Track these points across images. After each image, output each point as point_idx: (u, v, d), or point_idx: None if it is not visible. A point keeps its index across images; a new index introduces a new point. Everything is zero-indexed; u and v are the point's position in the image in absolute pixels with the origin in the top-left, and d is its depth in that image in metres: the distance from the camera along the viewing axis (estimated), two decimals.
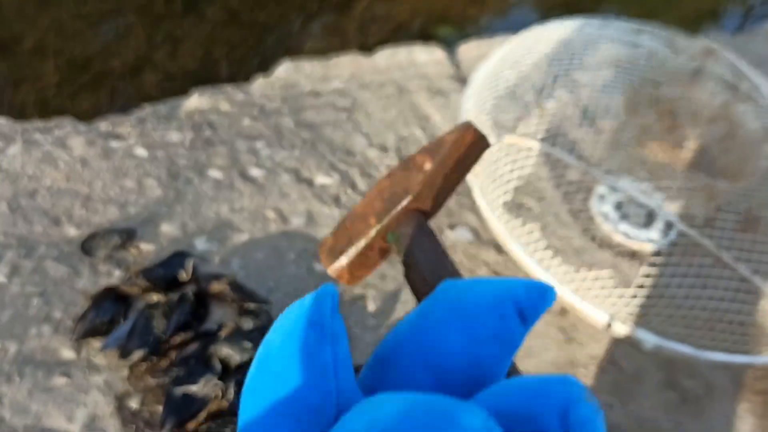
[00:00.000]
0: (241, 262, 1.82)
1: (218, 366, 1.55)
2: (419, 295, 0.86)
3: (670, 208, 1.87)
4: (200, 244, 1.84)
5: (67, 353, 1.58)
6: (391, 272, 1.86)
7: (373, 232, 0.91)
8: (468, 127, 0.89)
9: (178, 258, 1.73)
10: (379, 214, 0.91)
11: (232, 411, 1.51)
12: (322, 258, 0.96)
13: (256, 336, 1.57)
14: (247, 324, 1.63)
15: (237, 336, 1.56)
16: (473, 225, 2.02)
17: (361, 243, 0.91)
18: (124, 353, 1.55)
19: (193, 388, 1.49)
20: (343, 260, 0.92)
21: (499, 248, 1.97)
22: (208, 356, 1.56)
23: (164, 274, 1.69)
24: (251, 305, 1.66)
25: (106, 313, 1.61)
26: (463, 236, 1.99)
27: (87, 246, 1.76)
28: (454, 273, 0.83)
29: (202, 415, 1.49)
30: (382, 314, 1.78)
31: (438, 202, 0.94)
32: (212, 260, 1.82)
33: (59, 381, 1.53)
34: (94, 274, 1.73)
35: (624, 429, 1.64)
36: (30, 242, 1.76)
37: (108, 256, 1.76)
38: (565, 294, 1.60)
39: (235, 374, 1.53)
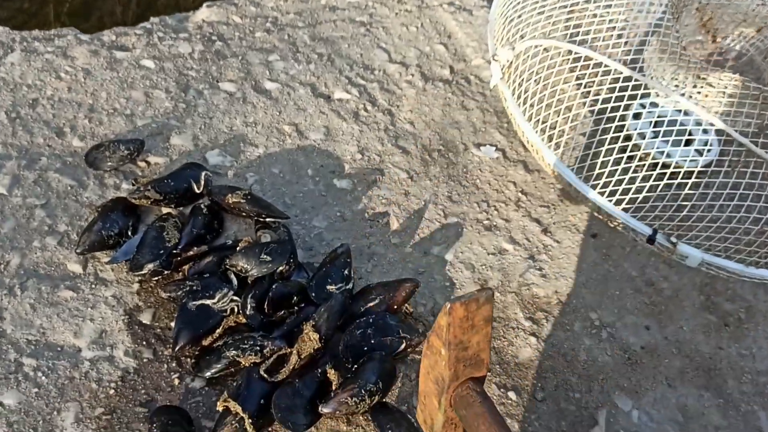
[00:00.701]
0: (256, 176, 1.72)
1: (235, 280, 1.45)
2: None
3: (717, 118, 1.76)
4: (213, 158, 1.73)
5: (73, 267, 1.48)
6: (415, 189, 1.76)
7: (441, 414, 1.06)
8: (451, 309, 0.94)
9: (190, 170, 1.62)
10: (439, 396, 1.04)
11: (249, 326, 1.42)
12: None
13: (275, 249, 1.47)
14: (265, 238, 1.53)
15: (254, 249, 1.46)
16: (501, 144, 1.90)
17: (440, 422, 1.07)
18: (134, 266, 1.45)
19: (209, 303, 1.40)
20: None
21: (527, 167, 1.86)
22: (223, 270, 1.47)
23: (176, 187, 1.58)
24: (269, 219, 1.56)
25: (114, 226, 1.51)
26: (489, 154, 1.88)
27: (92, 158, 1.65)
28: None
29: (219, 330, 1.40)
30: (406, 231, 1.67)
31: (478, 363, 1.02)
32: (226, 174, 1.71)
33: (65, 295, 1.43)
34: (101, 186, 1.62)
35: (661, 352, 1.55)
36: (31, 153, 1.65)
37: (115, 169, 1.65)
38: (608, 208, 1.49)
39: (252, 289, 1.43)
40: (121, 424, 1.28)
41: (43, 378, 1.31)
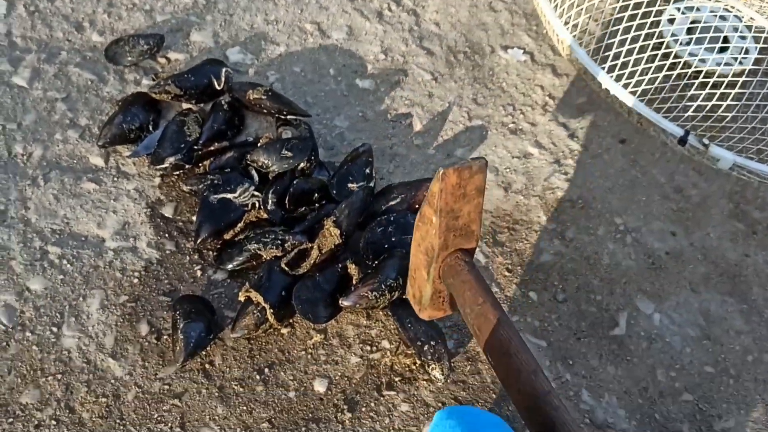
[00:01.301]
0: (278, 75, 1.68)
1: (255, 175, 1.44)
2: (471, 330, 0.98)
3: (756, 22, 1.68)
4: (233, 56, 1.69)
5: (95, 160, 1.48)
6: (439, 91, 1.72)
7: (429, 286, 1.04)
8: (444, 174, 0.92)
9: (210, 66, 1.59)
10: (428, 267, 1.03)
11: (270, 222, 1.41)
12: (414, 307, 1.12)
13: (296, 146, 1.45)
14: (286, 134, 1.51)
15: (275, 145, 1.44)
16: (529, 47, 1.84)
17: (428, 293, 1.05)
18: (156, 160, 1.44)
19: (230, 197, 1.39)
20: (424, 312, 1.09)
21: (556, 71, 1.80)
22: (244, 165, 1.46)
23: (196, 82, 1.55)
24: (290, 116, 1.53)
25: (135, 119, 1.49)
26: (517, 57, 1.82)
27: (112, 52, 1.62)
28: (487, 306, 0.94)
29: (240, 224, 1.40)
30: (429, 133, 1.64)
31: (468, 234, 0.99)
32: (246, 72, 1.68)
33: (87, 187, 1.43)
34: (121, 81, 1.60)
35: (686, 258, 1.53)
36: (50, 47, 1.62)
37: (134, 64, 1.62)
38: (641, 109, 1.44)
39: (273, 184, 1.42)
40: (144, 311, 1.30)
41: (68, 266, 1.33)
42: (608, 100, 1.66)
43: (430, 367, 1.27)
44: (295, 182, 1.42)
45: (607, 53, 1.69)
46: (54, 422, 1.16)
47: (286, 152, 1.43)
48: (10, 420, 1.15)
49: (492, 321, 0.93)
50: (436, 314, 1.10)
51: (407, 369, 1.30)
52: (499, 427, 0.92)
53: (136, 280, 1.33)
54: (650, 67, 1.63)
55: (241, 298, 1.29)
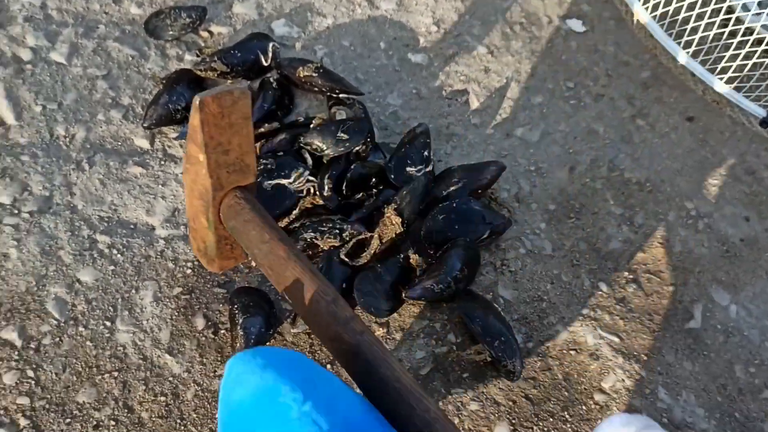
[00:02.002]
0: (326, 49, 1.59)
1: (309, 159, 1.37)
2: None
3: None
4: (279, 29, 1.60)
5: (140, 142, 1.41)
6: (495, 66, 1.62)
7: (212, 233, 0.95)
8: (202, 102, 0.84)
9: (257, 41, 1.50)
10: (205, 212, 0.94)
11: (326, 208, 1.34)
12: (202, 262, 1.04)
13: (352, 127, 1.37)
14: (339, 115, 1.43)
15: (330, 127, 1.37)
16: (589, 16, 1.74)
17: (212, 241, 0.97)
18: None
19: (284, 183, 1.32)
20: (214, 264, 1.02)
21: (617, 43, 1.70)
22: (297, 148, 1.38)
23: (243, 58, 1.47)
24: (342, 94, 1.45)
25: (180, 99, 1.41)
26: (576, 28, 1.71)
27: (152, 26, 1.53)
28: (275, 242, 0.89)
29: (295, 212, 1.33)
30: (487, 111, 1.56)
31: (242, 168, 0.92)
32: (293, 46, 1.59)
33: (134, 171, 1.37)
34: (163, 57, 1.52)
35: (762, 245, 1.46)
36: (88, 20, 1.54)
37: (176, 38, 1.54)
38: (718, 87, 1.35)
39: (329, 169, 1.35)
40: (200, 303, 1.24)
41: (119, 256, 1.27)
42: (680, 77, 1.56)
43: (501, 364, 1.21)
44: (352, 167, 1.35)
45: (681, 28, 1.59)
46: (113, 422, 1.12)
47: (342, 135, 1.36)
48: (68, 420, 1.10)
49: (283, 257, 0.87)
50: (226, 264, 1.01)
51: (475, 365, 1.24)
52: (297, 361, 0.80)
53: (189, 271, 1.27)
54: (727, 44, 1.52)
55: None
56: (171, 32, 1.52)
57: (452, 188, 1.38)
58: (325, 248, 1.29)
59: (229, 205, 0.92)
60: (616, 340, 1.29)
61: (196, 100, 0.83)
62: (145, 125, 1.39)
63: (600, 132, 1.55)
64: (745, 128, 1.56)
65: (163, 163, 1.38)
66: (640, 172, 1.51)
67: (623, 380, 1.25)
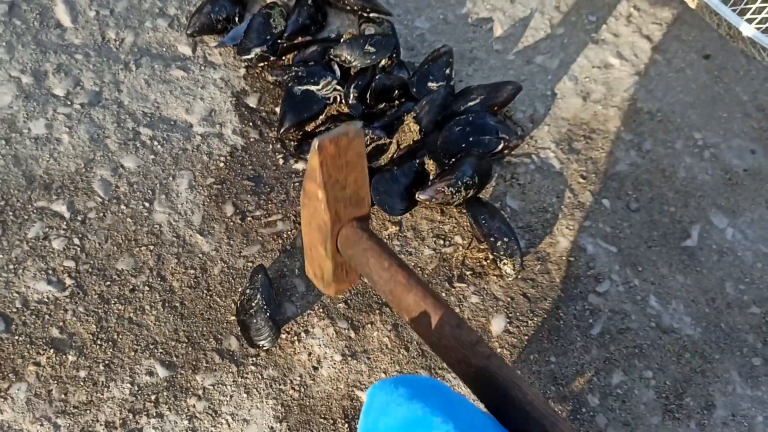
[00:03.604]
0: None
1: (338, 70, 1.47)
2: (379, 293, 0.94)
3: None
4: None
5: (183, 49, 1.52)
6: None
7: (330, 261, 0.99)
8: (321, 146, 0.88)
9: None
10: (324, 243, 0.98)
11: (350, 116, 1.44)
12: (318, 286, 1.06)
13: (379, 42, 1.46)
14: (369, 31, 1.52)
15: (359, 41, 1.46)
16: None
17: (329, 269, 1.00)
18: (242, 50, 1.48)
19: (313, 89, 1.43)
20: (331, 288, 1.04)
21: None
22: (327, 60, 1.48)
23: None
24: (372, 13, 1.54)
25: (222, 10, 1.52)
26: None
27: None
28: (395, 268, 0.91)
29: (321, 117, 1.44)
30: (510, 39, 1.63)
31: (358, 201, 0.95)
32: None
33: (176, 74, 1.48)
34: None
35: (765, 176, 1.52)
36: None
37: None
38: (745, 30, 1.40)
39: (355, 79, 1.45)
40: (230, 193, 1.36)
41: (159, 147, 1.39)
42: (694, 15, 1.61)
43: (502, 263, 1.31)
44: (376, 78, 1.44)
45: None
46: (147, 288, 1.24)
47: (369, 48, 1.45)
48: (108, 283, 1.24)
49: (404, 283, 0.89)
50: (342, 287, 1.06)
51: (478, 264, 1.34)
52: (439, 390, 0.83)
53: (222, 164, 1.39)
54: None
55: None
56: None
57: (470, 103, 1.47)
58: None
59: (346, 235, 0.96)
60: (614, 250, 1.38)
61: (315, 143, 0.87)
62: (188, 32, 1.51)
63: (616, 64, 1.62)
64: (759, 67, 1.61)
65: (203, 68, 1.50)
66: (653, 103, 1.57)
67: (617, 286, 1.34)
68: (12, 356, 1.14)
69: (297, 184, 1.39)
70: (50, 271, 1.23)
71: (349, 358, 1.21)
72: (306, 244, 1.05)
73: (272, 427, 1.15)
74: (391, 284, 0.90)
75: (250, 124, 1.45)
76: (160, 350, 1.19)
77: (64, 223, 1.28)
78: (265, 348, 1.22)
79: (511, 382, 0.79)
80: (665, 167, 1.49)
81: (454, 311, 0.87)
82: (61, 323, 1.18)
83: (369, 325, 1.25)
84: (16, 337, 1.16)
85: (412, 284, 0.88)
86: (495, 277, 1.33)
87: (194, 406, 1.15)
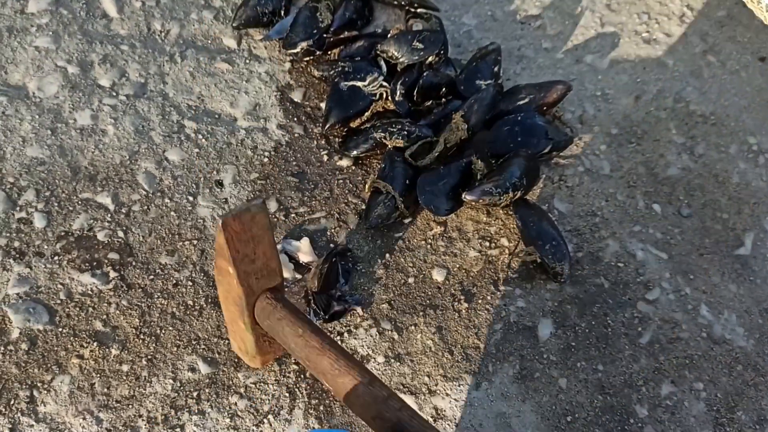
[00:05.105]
0: None
1: (384, 66, 1.44)
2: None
3: None
4: None
5: (228, 42, 1.51)
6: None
7: (250, 333, 1.04)
8: (225, 224, 0.92)
9: None
10: (241, 316, 1.02)
11: (396, 113, 1.42)
12: (244, 359, 1.12)
13: (427, 38, 1.44)
14: (416, 26, 1.50)
15: (406, 36, 1.43)
16: None
17: (251, 341, 1.05)
18: (288, 44, 1.46)
19: (359, 85, 1.41)
20: (256, 360, 1.09)
21: None
22: (374, 55, 1.46)
23: None
24: (420, 9, 1.52)
25: (268, 3, 1.51)
26: None
27: None
28: (308, 334, 0.96)
29: (367, 113, 1.42)
30: (559, 37, 1.60)
31: (269, 273, 0.99)
32: None
33: (221, 67, 1.47)
34: None
35: None
36: None
37: None
38: None
39: (402, 76, 1.42)
40: (274, 189, 1.34)
41: (203, 140, 1.38)
42: (750, 15, 1.56)
43: (549, 267, 1.28)
44: (424, 75, 1.42)
45: None
46: (190, 283, 1.23)
47: (417, 44, 1.42)
48: (152, 277, 1.23)
49: (318, 347, 0.94)
50: (267, 358, 1.10)
51: (525, 267, 1.31)
52: None
53: (266, 159, 1.37)
54: None
55: (367, 190, 1.32)
56: None
57: (519, 103, 1.44)
58: (392, 148, 1.37)
59: (262, 307, 1.01)
60: (665, 256, 1.34)
61: (219, 222, 0.93)
62: (234, 25, 1.49)
63: (669, 65, 1.57)
64: None
65: (248, 62, 1.48)
66: (706, 105, 1.53)
67: (668, 294, 1.30)
68: (56, 348, 1.14)
69: (341, 181, 1.37)
70: (94, 263, 1.22)
71: (393, 360, 1.19)
72: (227, 319, 1.09)
73: (313, 428, 1.14)
74: (306, 350, 0.95)
75: (295, 119, 1.43)
76: (203, 346, 1.18)
77: (109, 215, 1.27)
78: None
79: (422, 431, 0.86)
80: (718, 172, 1.45)
81: (366, 369, 0.93)
82: (105, 316, 1.18)
83: (413, 327, 1.23)
84: (60, 329, 1.15)
85: (325, 348, 0.94)
86: (542, 281, 1.30)
87: (236, 404, 1.13)
